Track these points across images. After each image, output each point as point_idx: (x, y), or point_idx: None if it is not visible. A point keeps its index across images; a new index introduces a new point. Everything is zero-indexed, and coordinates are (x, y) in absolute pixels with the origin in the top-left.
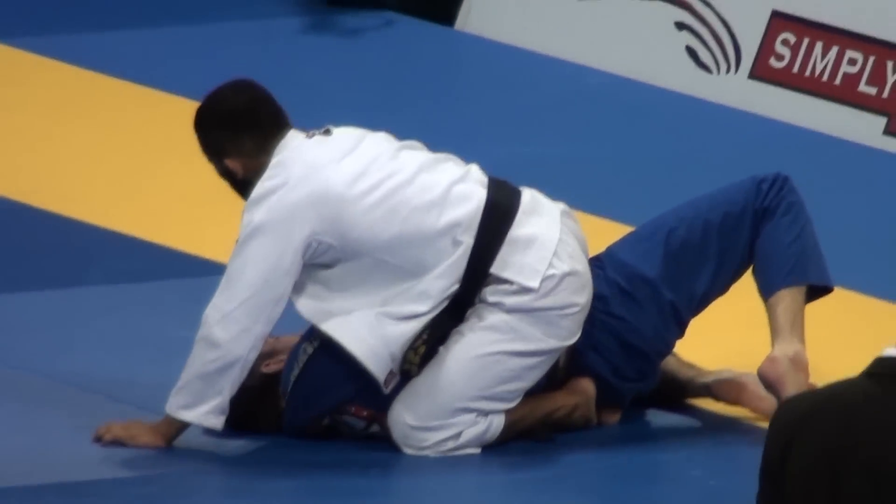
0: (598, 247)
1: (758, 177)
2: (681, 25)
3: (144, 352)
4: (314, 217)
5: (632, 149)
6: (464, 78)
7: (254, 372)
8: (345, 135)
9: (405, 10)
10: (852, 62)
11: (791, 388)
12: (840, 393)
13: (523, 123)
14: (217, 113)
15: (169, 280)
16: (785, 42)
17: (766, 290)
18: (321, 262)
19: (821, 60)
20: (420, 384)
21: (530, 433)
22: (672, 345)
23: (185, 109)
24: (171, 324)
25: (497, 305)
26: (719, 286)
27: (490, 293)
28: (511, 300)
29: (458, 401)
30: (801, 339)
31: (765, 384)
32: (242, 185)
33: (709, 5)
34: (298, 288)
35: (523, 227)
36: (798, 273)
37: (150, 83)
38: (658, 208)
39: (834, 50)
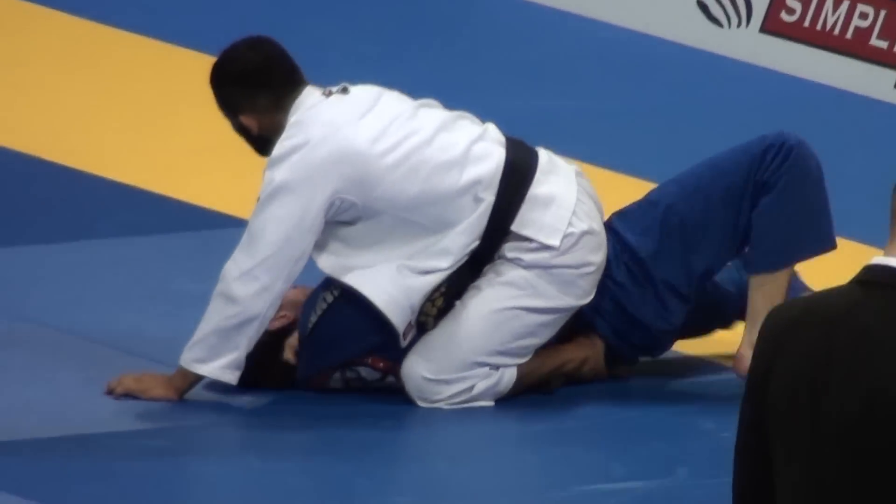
0: (608, 201)
1: (764, 141)
2: None
3: (156, 305)
4: (337, 176)
5: (642, 103)
6: (473, 32)
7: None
8: (363, 93)
9: None
10: (864, 16)
11: None
12: (825, 301)
13: (533, 77)
14: (231, 70)
15: (180, 233)
16: None
17: (749, 266)
18: (343, 219)
19: (832, 14)
20: (436, 338)
21: (541, 385)
22: (678, 320)
23: (196, 63)
24: (182, 277)
25: (515, 261)
26: (722, 260)
27: (509, 249)
28: (530, 257)
29: (474, 355)
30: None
31: (740, 378)
32: (259, 142)
33: None
34: (320, 245)
35: (542, 185)
36: (785, 255)
37: (160, 36)
38: (669, 162)
39: (845, 4)
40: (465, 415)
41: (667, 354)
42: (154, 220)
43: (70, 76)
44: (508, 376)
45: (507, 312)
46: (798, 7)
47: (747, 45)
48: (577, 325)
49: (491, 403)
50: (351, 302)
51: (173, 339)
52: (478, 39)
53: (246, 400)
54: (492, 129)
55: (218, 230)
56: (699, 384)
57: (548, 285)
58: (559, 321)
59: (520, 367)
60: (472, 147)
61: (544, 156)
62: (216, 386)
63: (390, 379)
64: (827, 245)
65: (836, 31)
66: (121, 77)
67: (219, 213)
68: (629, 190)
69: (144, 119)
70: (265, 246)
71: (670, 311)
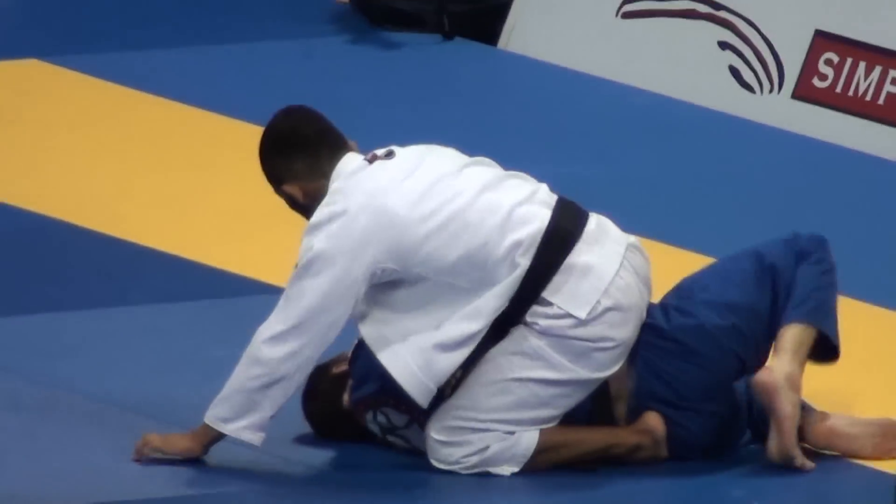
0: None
1: (793, 232)
2: (724, 45)
3: (186, 372)
4: (376, 245)
5: (674, 169)
6: (506, 97)
7: (325, 374)
8: (407, 155)
9: (448, 29)
10: (895, 82)
11: (783, 402)
12: None
13: (566, 143)
14: (266, 140)
15: (211, 300)
16: (828, 62)
17: (788, 315)
18: (384, 284)
19: (864, 80)
20: (449, 404)
21: (585, 463)
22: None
23: (230, 129)
24: (214, 344)
25: (531, 326)
26: (774, 330)
27: (531, 314)
28: (547, 323)
29: (480, 421)
30: (801, 365)
31: (757, 389)
32: (306, 211)
33: (752, 25)
34: (361, 310)
35: (583, 254)
36: (816, 316)
37: (195, 102)
38: (703, 229)
39: (877, 70)
40: (479, 483)
41: None
42: (186, 286)
43: (103, 141)
44: (527, 440)
45: (515, 383)
46: (830, 73)
47: (779, 111)
48: (636, 396)
49: (514, 470)
50: None
51: (203, 405)
52: (509, 104)
53: (271, 465)
54: (543, 190)
55: (250, 297)
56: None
57: (560, 356)
58: (577, 392)
59: (548, 434)
60: (516, 209)
61: (593, 222)
62: (244, 450)
63: (414, 427)
64: (837, 342)
65: (868, 98)
66: (155, 143)
67: (251, 280)
68: (661, 256)
69: (178, 185)
70: (299, 312)
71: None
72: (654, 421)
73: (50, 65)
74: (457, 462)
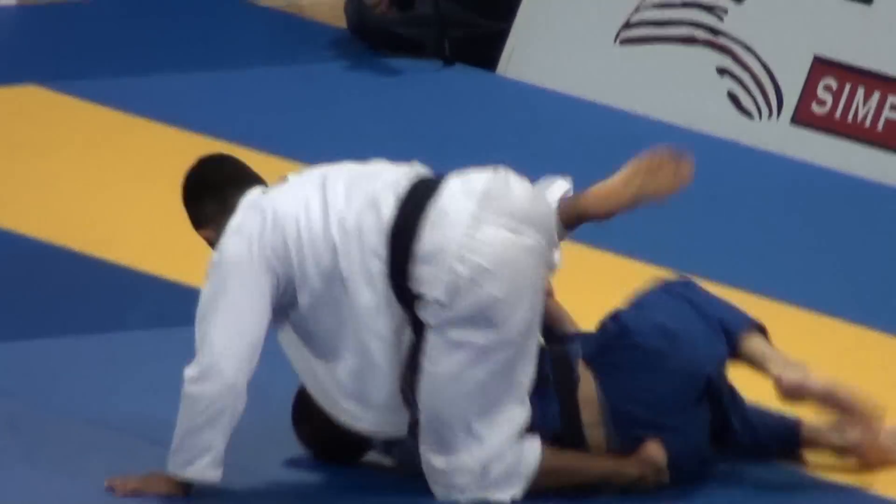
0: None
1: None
2: (722, 71)
3: None
4: (269, 246)
5: (672, 194)
6: (505, 122)
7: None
8: (296, 175)
9: (447, 54)
10: (895, 108)
11: (816, 382)
12: None
13: (564, 168)
14: (182, 187)
15: None
16: (827, 88)
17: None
18: (287, 304)
19: (863, 106)
20: (423, 422)
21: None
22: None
23: (224, 153)
24: None
25: (427, 325)
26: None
27: (422, 312)
28: (433, 318)
29: (459, 424)
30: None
31: (788, 394)
32: None
33: (750, 51)
34: (287, 342)
35: (425, 239)
36: (747, 322)
37: (193, 128)
38: (700, 254)
39: (876, 95)
40: None
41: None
42: (182, 310)
43: (101, 166)
44: (530, 454)
45: (453, 381)
46: (829, 99)
47: (778, 136)
48: (622, 432)
49: (515, 493)
50: None
51: None
52: (507, 129)
53: (267, 492)
54: (402, 178)
55: None
56: (746, 477)
57: (468, 336)
58: (511, 357)
59: (550, 458)
60: (363, 214)
61: (441, 201)
62: (241, 476)
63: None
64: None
65: (867, 124)
66: (153, 168)
67: None
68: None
69: (175, 210)
70: (210, 348)
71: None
72: (654, 450)
73: (48, 90)
74: (457, 489)
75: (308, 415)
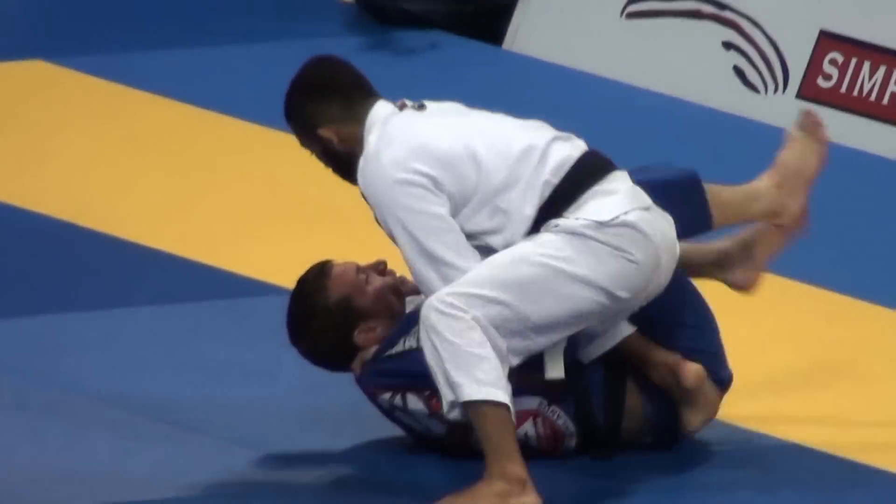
0: None
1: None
2: (729, 45)
3: (189, 373)
4: (432, 168)
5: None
6: (511, 97)
7: (366, 293)
8: (439, 106)
9: (453, 29)
10: None
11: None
12: None
13: None
14: (300, 87)
15: (215, 301)
16: (833, 62)
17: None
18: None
19: (868, 80)
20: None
21: (600, 451)
22: None
23: (233, 129)
24: (216, 345)
25: (549, 228)
26: None
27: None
28: (566, 223)
29: (486, 289)
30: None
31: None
32: (341, 159)
33: (756, 25)
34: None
35: (612, 183)
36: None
37: (198, 103)
38: None
39: (882, 70)
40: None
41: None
42: (189, 287)
43: (106, 141)
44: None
45: (525, 264)
46: (834, 73)
47: (784, 111)
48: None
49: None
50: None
51: (208, 407)
52: (513, 104)
53: (283, 474)
54: (579, 140)
55: (253, 298)
56: (731, 449)
57: (573, 250)
58: (586, 305)
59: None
60: (553, 143)
61: (627, 177)
62: (254, 461)
63: (434, 423)
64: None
65: (873, 98)
66: (158, 143)
67: (254, 281)
68: None
69: (181, 185)
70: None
71: None
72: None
73: (53, 65)
74: (443, 304)
75: (303, 333)
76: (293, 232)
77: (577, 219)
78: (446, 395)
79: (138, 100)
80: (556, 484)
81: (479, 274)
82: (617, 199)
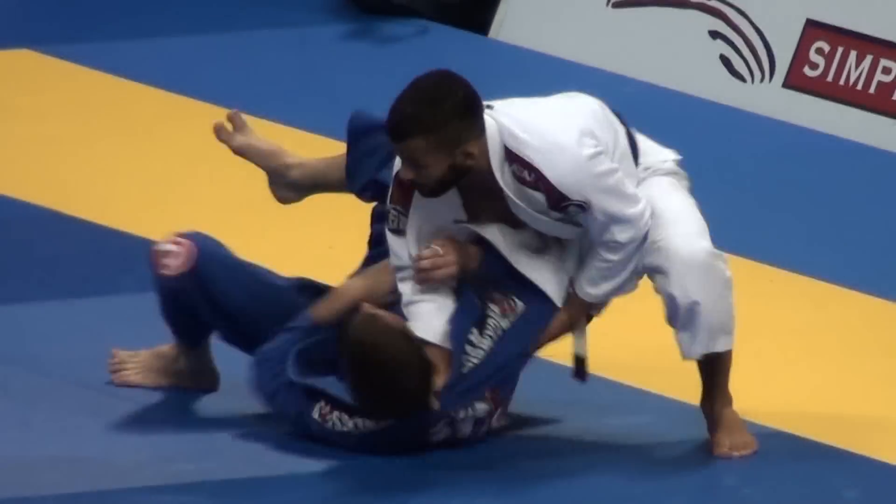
0: None
1: None
2: (715, 34)
3: None
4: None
5: None
6: (497, 86)
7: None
8: (511, 100)
9: (439, 18)
10: (886, 71)
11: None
12: None
13: None
14: (456, 102)
15: None
16: (819, 51)
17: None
18: None
19: (855, 69)
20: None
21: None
22: None
23: (221, 118)
24: None
25: (651, 171)
26: None
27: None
28: (662, 167)
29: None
30: None
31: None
32: (462, 173)
33: (743, 14)
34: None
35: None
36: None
37: (184, 91)
38: None
39: (868, 59)
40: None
41: (687, 408)
42: None
43: (96, 131)
44: None
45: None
46: (821, 62)
47: (770, 100)
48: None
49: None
50: (529, 321)
51: (196, 394)
52: (500, 93)
53: (275, 460)
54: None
55: None
56: None
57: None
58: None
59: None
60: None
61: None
62: (243, 447)
63: (494, 419)
64: None
65: (860, 87)
66: (145, 132)
67: None
68: None
69: (170, 175)
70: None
71: None
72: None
73: (42, 55)
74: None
75: (392, 396)
76: (280, 221)
77: (664, 161)
78: (715, 342)
79: (125, 89)
80: (556, 483)
81: (699, 223)
82: (652, 143)
